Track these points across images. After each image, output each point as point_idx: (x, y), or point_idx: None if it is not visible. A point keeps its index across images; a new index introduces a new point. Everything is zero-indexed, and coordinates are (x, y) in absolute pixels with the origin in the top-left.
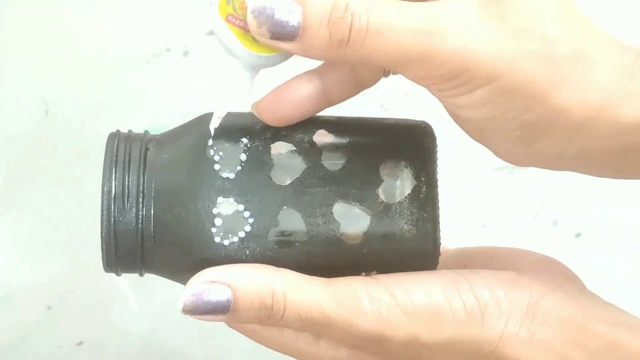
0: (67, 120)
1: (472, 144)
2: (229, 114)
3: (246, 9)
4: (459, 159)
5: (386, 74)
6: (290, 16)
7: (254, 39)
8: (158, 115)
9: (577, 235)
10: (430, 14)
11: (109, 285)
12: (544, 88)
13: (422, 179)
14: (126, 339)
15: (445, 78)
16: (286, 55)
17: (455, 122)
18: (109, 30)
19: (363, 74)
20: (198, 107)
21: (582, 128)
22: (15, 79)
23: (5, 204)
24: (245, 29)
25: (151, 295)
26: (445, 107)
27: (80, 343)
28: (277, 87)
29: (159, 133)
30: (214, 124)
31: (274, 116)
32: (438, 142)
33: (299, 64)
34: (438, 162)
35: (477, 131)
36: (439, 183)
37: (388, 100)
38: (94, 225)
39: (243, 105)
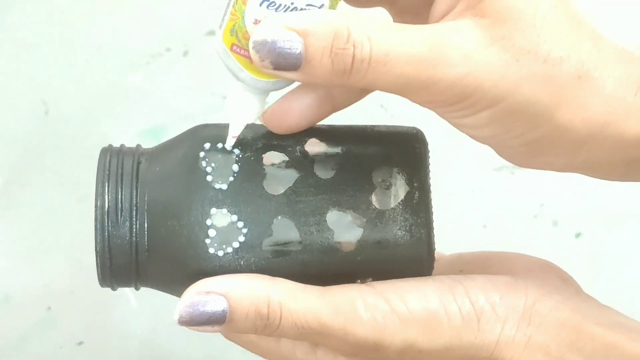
0: (67, 120)
1: (471, 144)
2: (219, 126)
3: (249, 39)
4: (459, 159)
5: None
6: (292, 48)
7: None
8: (158, 115)
9: (577, 235)
10: (432, 40)
11: None
12: (547, 108)
13: (415, 184)
14: (126, 339)
15: (449, 103)
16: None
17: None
18: (109, 30)
19: None
20: (198, 107)
21: (585, 143)
22: (15, 79)
23: (5, 205)
24: (249, 58)
25: (151, 295)
26: (450, 124)
27: (80, 343)
28: (282, 96)
29: (158, 134)
30: (229, 144)
31: (281, 125)
32: (438, 142)
33: None
34: (431, 167)
35: (483, 142)
36: (439, 184)
37: (388, 101)
38: (94, 225)
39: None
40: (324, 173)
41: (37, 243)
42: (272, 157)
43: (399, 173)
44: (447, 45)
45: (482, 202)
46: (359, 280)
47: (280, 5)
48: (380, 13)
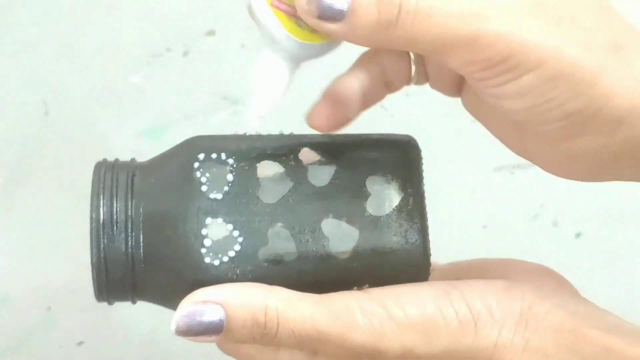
0: (67, 120)
1: (472, 144)
2: (212, 137)
3: None
4: (459, 159)
5: (411, 80)
6: None
7: (298, 26)
8: (158, 115)
9: (577, 235)
10: (476, 0)
11: None
12: (590, 74)
13: (409, 190)
14: (126, 339)
15: (491, 63)
16: (328, 46)
17: (488, 127)
18: (109, 30)
19: (391, 74)
20: (198, 107)
21: (625, 117)
22: (15, 80)
23: (5, 205)
24: (289, 14)
25: None
26: (491, 106)
27: (80, 343)
28: (324, 94)
29: (158, 134)
30: (255, 124)
31: (328, 122)
32: (438, 142)
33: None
34: (431, 167)
35: (518, 133)
36: (439, 184)
37: (388, 101)
38: (89, 239)
39: (280, 103)
40: (318, 181)
41: (37, 243)
42: (267, 167)
43: (392, 180)
44: (491, 4)
45: (482, 202)
46: (355, 287)
47: None
48: None
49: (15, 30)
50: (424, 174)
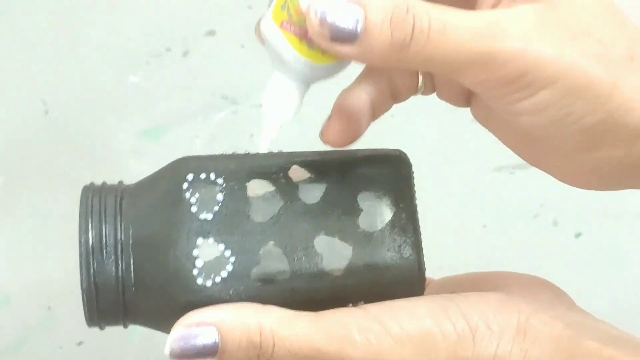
0: (67, 120)
1: (472, 144)
2: (201, 157)
3: (302, 15)
4: (459, 159)
5: (418, 90)
6: (352, 17)
7: (309, 47)
8: (158, 116)
9: (577, 235)
10: (490, 17)
11: None
12: (607, 87)
13: (401, 205)
14: (126, 339)
15: (507, 80)
16: (338, 67)
17: (500, 138)
18: (108, 30)
19: (399, 85)
20: (198, 107)
21: None
22: (15, 79)
23: (5, 204)
24: (300, 36)
25: None
26: (504, 118)
27: (80, 343)
28: (334, 109)
29: (158, 134)
30: (265, 144)
31: (343, 137)
32: (438, 142)
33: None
34: (431, 167)
35: (533, 145)
36: (439, 184)
37: None
38: (78, 263)
39: (289, 125)
40: (309, 198)
41: (37, 243)
42: (257, 185)
43: (384, 195)
44: (505, 22)
45: (482, 202)
46: (350, 304)
47: None
48: None
49: (15, 30)
50: (424, 178)
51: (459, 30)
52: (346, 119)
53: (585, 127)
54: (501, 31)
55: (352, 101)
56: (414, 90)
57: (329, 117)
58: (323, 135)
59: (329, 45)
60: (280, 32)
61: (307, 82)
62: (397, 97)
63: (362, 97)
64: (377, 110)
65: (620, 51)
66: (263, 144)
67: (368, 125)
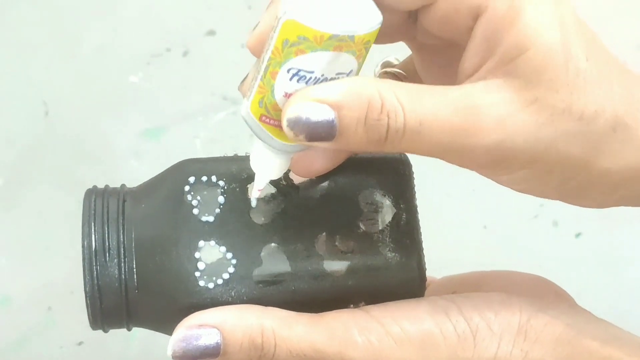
0: (67, 120)
1: None
2: (202, 160)
3: (280, 111)
4: None
5: None
6: (326, 122)
7: None
8: (158, 115)
9: (577, 235)
10: (464, 106)
11: None
12: (584, 161)
13: (402, 206)
14: (126, 339)
15: (485, 166)
16: None
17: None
18: (109, 30)
19: None
20: (198, 107)
21: (620, 186)
22: (15, 80)
23: (5, 205)
24: (279, 127)
25: None
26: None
27: (80, 343)
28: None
29: (158, 134)
30: (254, 196)
31: (308, 170)
32: None
33: None
34: (431, 167)
35: (519, 191)
36: (439, 185)
37: None
38: (82, 266)
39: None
40: (310, 200)
41: (37, 243)
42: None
43: (384, 196)
44: (481, 112)
45: (482, 202)
46: (351, 305)
47: (310, 78)
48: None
49: (15, 30)
50: (424, 178)
51: (434, 128)
52: (314, 153)
53: (563, 190)
54: (476, 124)
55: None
56: None
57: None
58: (292, 165)
59: (307, 145)
60: (260, 125)
61: (291, 153)
62: None
63: None
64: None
65: (603, 123)
66: (253, 196)
67: (343, 158)
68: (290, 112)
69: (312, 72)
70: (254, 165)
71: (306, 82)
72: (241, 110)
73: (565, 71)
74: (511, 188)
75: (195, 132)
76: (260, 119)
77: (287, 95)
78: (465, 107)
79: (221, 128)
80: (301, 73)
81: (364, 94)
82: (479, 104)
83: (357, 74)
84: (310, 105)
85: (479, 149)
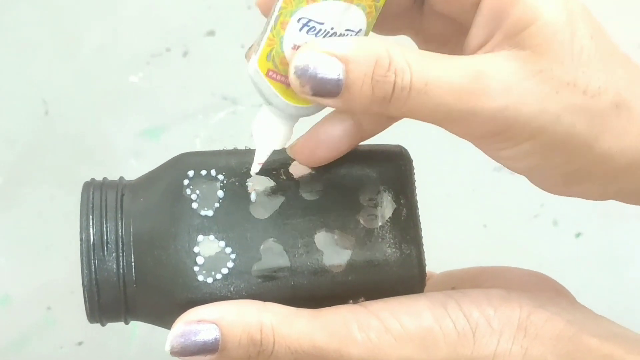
0: (67, 120)
1: (472, 144)
2: (201, 153)
3: (287, 65)
4: (458, 159)
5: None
6: (333, 74)
7: (295, 93)
8: (158, 115)
9: (577, 235)
10: (472, 70)
11: None
12: (587, 139)
13: (402, 201)
14: (126, 339)
15: (489, 135)
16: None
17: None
18: (108, 30)
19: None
20: (198, 107)
21: (621, 172)
22: (15, 79)
23: (5, 204)
24: (286, 84)
25: None
26: (487, 155)
27: (80, 343)
28: (311, 128)
29: (158, 134)
30: (255, 170)
31: (311, 158)
32: (438, 142)
33: None
34: (431, 167)
35: (519, 173)
36: (439, 185)
37: None
38: (80, 260)
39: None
40: (309, 195)
41: (37, 243)
42: (257, 181)
43: (385, 191)
44: (487, 77)
45: (482, 202)
46: (351, 301)
47: (320, 30)
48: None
49: (15, 30)
50: (423, 178)
51: (440, 89)
52: (318, 140)
53: (564, 172)
54: (482, 88)
55: (333, 123)
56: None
57: (303, 135)
58: (292, 150)
59: (311, 99)
60: (267, 81)
61: (294, 119)
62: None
63: (346, 121)
64: (368, 130)
65: (606, 100)
66: (253, 168)
67: (348, 146)
68: (298, 60)
69: (322, 24)
70: (256, 135)
71: (315, 35)
72: (248, 69)
73: (570, 45)
74: (511, 168)
75: (195, 131)
76: (267, 74)
77: (296, 48)
78: (472, 71)
79: (221, 128)
80: (311, 24)
81: (372, 50)
82: (486, 70)
83: (365, 34)
84: (319, 56)
85: (484, 113)
